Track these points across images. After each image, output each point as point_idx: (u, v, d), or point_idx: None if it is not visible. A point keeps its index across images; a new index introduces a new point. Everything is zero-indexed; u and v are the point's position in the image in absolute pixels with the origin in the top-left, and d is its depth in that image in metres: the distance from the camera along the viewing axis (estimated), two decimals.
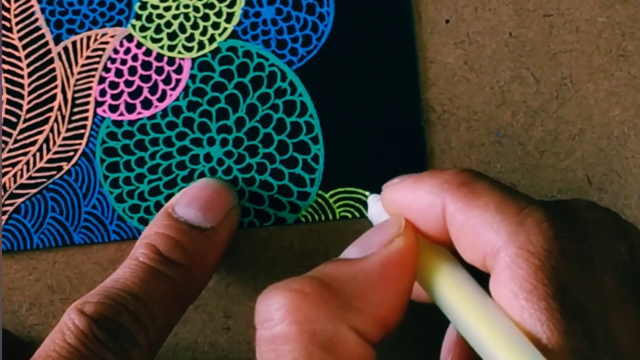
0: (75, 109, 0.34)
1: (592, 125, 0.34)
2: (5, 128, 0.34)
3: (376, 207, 0.28)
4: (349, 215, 0.34)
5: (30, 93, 0.34)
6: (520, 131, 0.34)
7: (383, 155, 0.34)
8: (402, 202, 0.25)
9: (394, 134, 0.34)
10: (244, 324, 0.34)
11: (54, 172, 0.34)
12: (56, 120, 0.34)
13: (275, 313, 0.22)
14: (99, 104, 0.34)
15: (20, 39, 0.34)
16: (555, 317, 0.21)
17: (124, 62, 0.34)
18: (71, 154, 0.34)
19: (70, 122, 0.34)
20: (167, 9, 0.34)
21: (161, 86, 0.34)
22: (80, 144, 0.34)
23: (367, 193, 0.33)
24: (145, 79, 0.34)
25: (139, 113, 0.34)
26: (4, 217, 0.34)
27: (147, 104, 0.34)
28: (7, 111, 0.34)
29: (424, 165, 0.34)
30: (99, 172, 0.34)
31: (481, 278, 0.23)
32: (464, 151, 0.34)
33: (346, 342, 0.22)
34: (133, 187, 0.34)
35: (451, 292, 0.23)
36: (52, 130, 0.34)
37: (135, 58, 0.34)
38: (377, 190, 0.28)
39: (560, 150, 0.34)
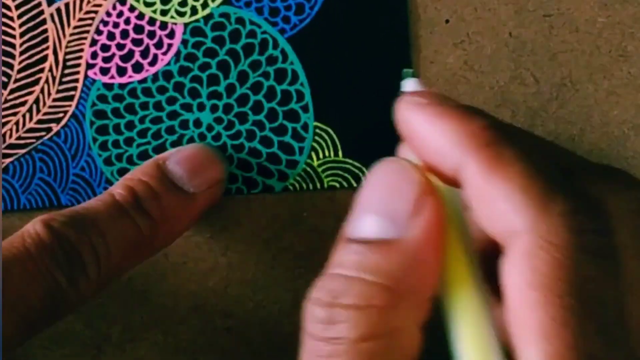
0: (67, 71, 0.34)
1: (592, 125, 0.34)
2: None
3: (411, 84, 0.26)
4: (337, 184, 0.34)
5: (21, 53, 0.34)
6: None
7: (374, 126, 0.34)
8: (417, 134, 0.23)
9: (385, 105, 0.33)
10: (244, 324, 0.34)
11: (43, 133, 0.34)
12: (47, 81, 0.34)
13: (349, 331, 0.21)
14: (90, 66, 0.34)
15: None
16: (573, 317, 0.20)
17: (116, 25, 0.34)
18: (61, 115, 0.34)
19: (60, 83, 0.34)
20: None
21: (153, 50, 0.34)
22: (70, 105, 0.34)
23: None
24: (137, 42, 0.34)
25: (130, 76, 0.34)
26: None
27: (138, 68, 0.34)
28: None
29: None
30: (88, 135, 0.34)
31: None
32: None
33: (412, 337, 0.21)
34: (122, 151, 0.34)
35: (459, 304, 0.22)
36: (42, 91, 0.34)
37: (127, 21, 0.34)
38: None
39: None
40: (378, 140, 0.33)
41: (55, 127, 0.34)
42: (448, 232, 0.22)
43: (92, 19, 0.34)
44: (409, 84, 0.26)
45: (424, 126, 0.23)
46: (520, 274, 0.20)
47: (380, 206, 0.22)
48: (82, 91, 0.34)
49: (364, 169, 0.34)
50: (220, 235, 0.34)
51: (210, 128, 0.34)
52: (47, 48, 0.34)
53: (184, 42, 0.34)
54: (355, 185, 0.34)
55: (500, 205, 0.21)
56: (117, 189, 0.30)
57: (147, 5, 0.34)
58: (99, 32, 0.34)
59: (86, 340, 0.34)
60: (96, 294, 0.30)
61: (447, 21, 0.34)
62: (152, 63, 0.34)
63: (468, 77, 0.34)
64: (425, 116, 0.23)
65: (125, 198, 0.30)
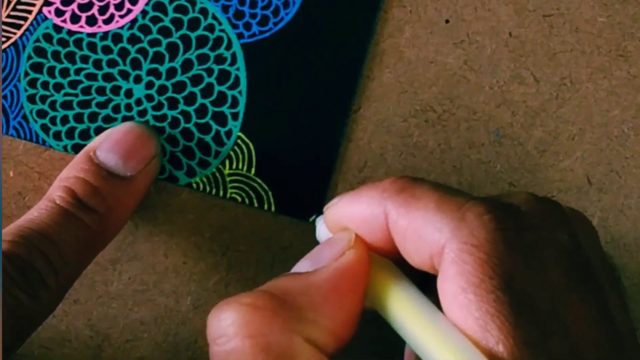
0: (24, 0, 0.34)
1: (592, 125, 0.34)
2: None
3: (324, 228, 0.28)
4: (239, 198, 0.34)
5: None
6: (520, 131, 0.34)
7: (294, 155, 0.34)
8: (344, 219, 0.26)
9: (311, 142, 0.34)
10: None
11: None
12: (2, 2, 0.34)
13: (228, 328, 0.22)
14: (47, 3, 0.34)
15: None
16: (505, 309, 0.21)
17: None
18: (3, 39, 0.34)
19: (14, 9, 0.34)
20: None
21: (112, 9, 0.34)
22: (15, 34, 0.34)
23: (311, 217, 0.33)
24: None
25: (81, 27, 0.34)
26: None
27: (92, 21, 0.34)
28: None
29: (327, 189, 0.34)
30: (22, 67, 0.34)
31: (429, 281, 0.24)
32: (463, 151, 0.34)
33: (301, 353, 0.22)
34: (48, 93, 0.34)
35: (401, 309, 0.23)
36: None
37: None
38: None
39: (560, 150, 0.34)
40: (293, 169, 0.34)
41: None
42: (378, 274, 0.24)
43: None
44: (319, 222, 0.29)
45: (346, 211, 0.25)
46: (451, 281, 0.22)
47: (315, 253, 0.25)
48: (31, 24, 0.34)
49: (270, 192, 0.34)
50: (220, 235, 0.34)
51: (139, 102, 0.34)
52: None
53: (144, 13, 0.34)
54: (256, 204, 0.34)
55: (422, 231, 0.23)
56: (56, 192, 0.30)
57: None
58: None
59: (86, 340, 0.34)
60: (61, 299, 0.30)
61: (447, 21, 0.34)
62: (107, 21, 0.34)
63: (468, 77, 0.34)
64: (344, 203, 0.26)
65: (66, 200, 0.30)
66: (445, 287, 0.22)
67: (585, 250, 0.24)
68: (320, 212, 0.29)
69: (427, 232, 0.23)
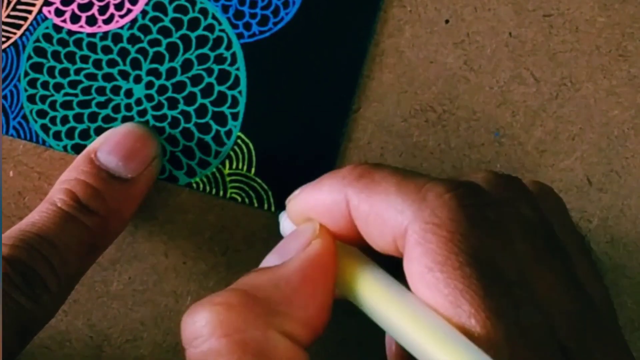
0: (24, 0, 0.34)
1: (592, 125, 0.34)
2: None
3: (288, 222, 0.28)
4: (239, 198, 0.34)
5: None
6: (520, 131, 0.34)
7: (294, 156, 0.34)
8: (307, 209, 0.26)
9: (311, 142, 0.34)
10: None
11: None
12: (2, 2, 0.34)
13: (203, 329, 0.22)
14: (47, 3, 0.34)
15: None
16: (473, 283, 0.21)
17: None
18: (3, 39, 0.34)
19: (13, 9, 0.34)
20: None
21: (112, 9, 0.34)
22: (15, 34, 0.34)
23: (279, 212, 0.33)
24: None
25: (81, 27, 0.34)
26: None
27: (92, 21, 0.34)
28: None
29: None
30: (22, 67, 0.34)
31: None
32: (463, 151, 0.34)
33: (277, 346, 0.22)
34: (48, 93, 0.34)
35: (371, 294, 0.23)
36: None
37: None
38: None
39: (560, 150, 0.34)
40: (293, 169, 0.34)
41: None
42: (347, 262, 0.24)
43: None
44: (282, 216, 0.29)
45: (308, 201, 0.25)
46: (417, 262, 0.22)
47: (281, 247, 0.25)
48: (31, 24, 0.34)
49: (270, 192, 0.34)
50: (220, 235, 0.34)
51: (139, 102, 0.34)
52: None
53: (144, 13, 0.34)
54: (256, 204, 0.34)
55: (384, 215, 0.23)
56: (57, 195, 0.30)
57: None
58: None
59: (86, 340, 0.34)
60: (62, 302, 0.30)
61: (447, 21, 0.34)
62: (107, 21, 0.34)
63: (468, 77, 0.34)
64: (306, 194, 0.26)
65: (68, 203, 0.30)
66: (412, 268, 0.22)
67: (550, 222, 0.24)
68: (283, 207, 0.29)
69: (389, 215, 0.23)
